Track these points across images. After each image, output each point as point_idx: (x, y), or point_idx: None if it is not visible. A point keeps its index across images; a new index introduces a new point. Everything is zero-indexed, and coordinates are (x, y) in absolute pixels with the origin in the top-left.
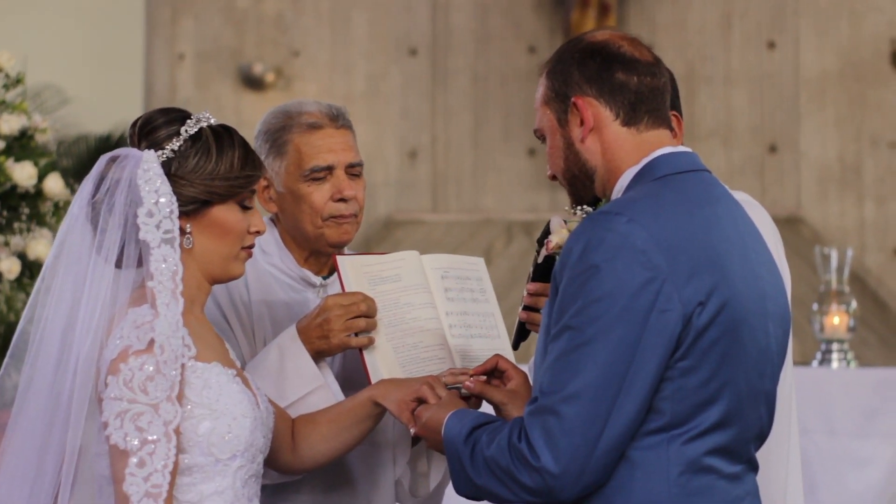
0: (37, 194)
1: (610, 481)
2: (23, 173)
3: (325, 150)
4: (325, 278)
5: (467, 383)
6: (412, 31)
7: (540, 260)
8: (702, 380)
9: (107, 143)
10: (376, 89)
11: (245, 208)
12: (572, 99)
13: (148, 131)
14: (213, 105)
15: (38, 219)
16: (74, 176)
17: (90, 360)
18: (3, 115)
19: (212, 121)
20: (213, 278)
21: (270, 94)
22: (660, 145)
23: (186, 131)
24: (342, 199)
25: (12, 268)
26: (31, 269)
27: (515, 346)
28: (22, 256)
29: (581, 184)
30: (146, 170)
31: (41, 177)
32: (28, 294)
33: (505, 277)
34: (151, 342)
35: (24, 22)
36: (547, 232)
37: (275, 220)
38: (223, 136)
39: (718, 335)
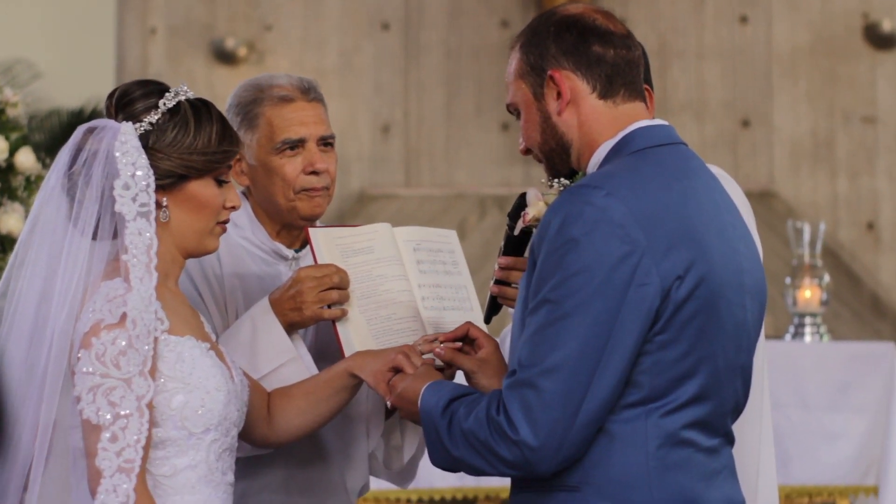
0: (8, 168)
1: (588, 454)
2: None
3: (296, 123)
4: (297, 251)
5: (437, 350)
6: (384, 6)
7: (516, 233)
8: (680, 353)
9: (79, 118)
10: (349, 64)
11: (221, 183)
12: (549, 72)
13: (125, 103)
14: (186, 79)
15: (9, 193)
16: (46, 150)
17: (65, 333)
18: None
19: (190, 95)
20: (188, 252)
21: (243, 68)
22: (636, 118)
23: (164, 104)
24: (314, 172)
25: None
26: (2, 242)
27: (487, 320)
28: None
29: (558, 157)
30: (123, 142)
31: (12, 151)
32: (1, 268)
33: (478, 251)
34: (124, 316)
35: None
36: (517, 206)
37: (247, 194)
38: (201, 110)
39: (696, 309)
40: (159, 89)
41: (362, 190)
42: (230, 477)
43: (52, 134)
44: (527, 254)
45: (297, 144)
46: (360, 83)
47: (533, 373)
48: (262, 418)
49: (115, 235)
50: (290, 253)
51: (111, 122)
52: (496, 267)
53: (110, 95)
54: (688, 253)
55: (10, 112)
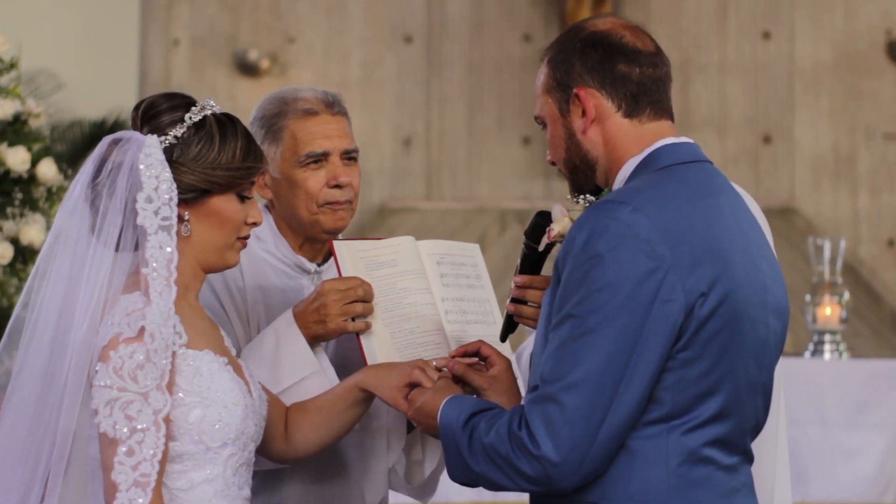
0: (30, 179)
1: (609, 471)
2: (16, 158)
3: (320, 137)
4: (319, 265)
5: (450, 363)
6: (407, 19)
7: (541, 249)
8: (703, 371)
9: (101, 129)
10: (371, 77)
11: (244, 199)
12: (574, 90)
13: (151, 116)
14: (208, 91)
15: (31, 204)
16: (69, 161)
17: (86, 344)
18: None
19: (216, 109)
20: (209, 267)
21: (265, 80)
22: (661, 136)
23: (190, 118)
24: (337, 186)
25: (5, 253)
26: (23, 254)
27: (503, 339)
28: (15, 242)
29: (582, 174)
30: (148, 154)
31: (34, 162)
32: (20, 279)
33: (498, 265)
34: (142, 330)
35: (20, 7)
36: (534, 226)
37: (269, 207)
38: (227, 125)
39: (720, 326)
40: (186, 103)
41: (383, 203)
42: (247, 491)
43: (75, 145)
44: (544, 272)
45: (320, 158)
46: (383, 96)
47: (556, 388)
48: (280, 434)
49: (136, 248)
50: (312, 266)
51: (136, 135)
52: (512, 285)
53: (136, 107)
54: (712, 270)
55: (33, 123)
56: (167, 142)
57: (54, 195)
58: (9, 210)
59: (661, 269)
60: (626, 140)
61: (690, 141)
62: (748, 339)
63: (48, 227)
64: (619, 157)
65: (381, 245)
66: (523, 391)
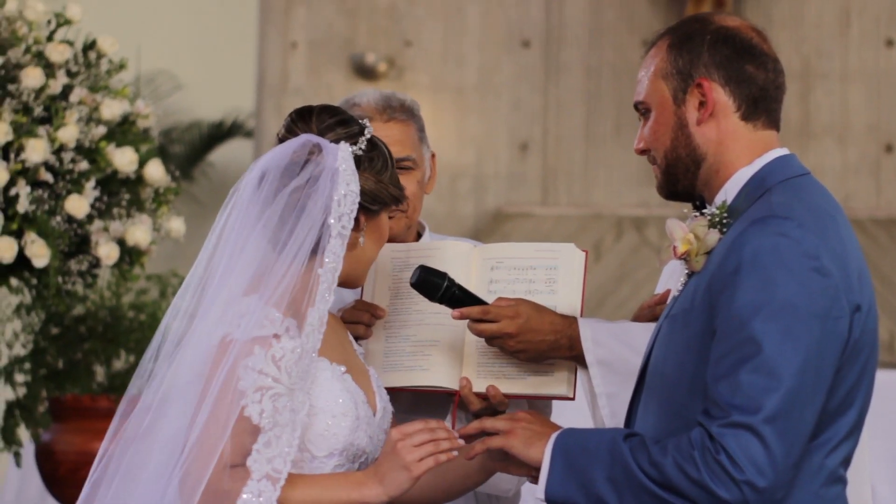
0: (137, 180)
1: None
2: (123, 159)
3: None
4: None
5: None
6: (525, 23)
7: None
8: (847, 388)
9: (219, 130)
10: (488, 81)
11: None
12: (697, 79)
13: (335, 123)
14: (325, 94)
15: (138, 205)
16: (186, 161)
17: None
18: (105, 101)
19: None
20: (349, 281)
21: (382, 83)
22: (770, 146)
23: (370, 132)
24: None
25: (111, 253)
26: (130, 254)
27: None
28: (121, 242)
29: (683, 168)
30: (344, 159)
31: (142, 163)
32: (126, 279)
33: (614, 273)
34: (302, 328)
35: (139, 9)
36: (425, 282)
37: None
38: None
39: (864, 343)
40: (351, 116)
41: (498, 208)
42: None
43: (193, 146)
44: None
45: None
46: (499, 100)
47: (756, 419)
48: None
49: (314, 251)
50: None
51: (327, 143)
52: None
53: (305, 112)
54: (864, 286)
55: (141, 123)
56: (357, 152)
57: (161, 196)
58: (115, 211)
59: (832, 286)
60: (738, 143)
61: (790, 152)
62: (876, 354)
63: (155, 229)
64: (730, 161)
65: (419, 247)
66: (601, 400)
